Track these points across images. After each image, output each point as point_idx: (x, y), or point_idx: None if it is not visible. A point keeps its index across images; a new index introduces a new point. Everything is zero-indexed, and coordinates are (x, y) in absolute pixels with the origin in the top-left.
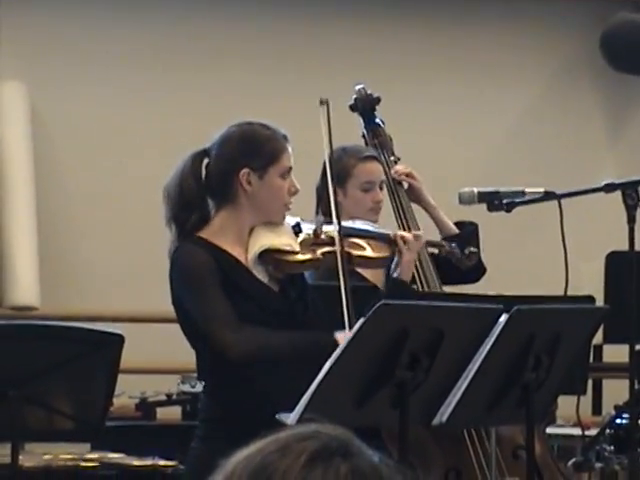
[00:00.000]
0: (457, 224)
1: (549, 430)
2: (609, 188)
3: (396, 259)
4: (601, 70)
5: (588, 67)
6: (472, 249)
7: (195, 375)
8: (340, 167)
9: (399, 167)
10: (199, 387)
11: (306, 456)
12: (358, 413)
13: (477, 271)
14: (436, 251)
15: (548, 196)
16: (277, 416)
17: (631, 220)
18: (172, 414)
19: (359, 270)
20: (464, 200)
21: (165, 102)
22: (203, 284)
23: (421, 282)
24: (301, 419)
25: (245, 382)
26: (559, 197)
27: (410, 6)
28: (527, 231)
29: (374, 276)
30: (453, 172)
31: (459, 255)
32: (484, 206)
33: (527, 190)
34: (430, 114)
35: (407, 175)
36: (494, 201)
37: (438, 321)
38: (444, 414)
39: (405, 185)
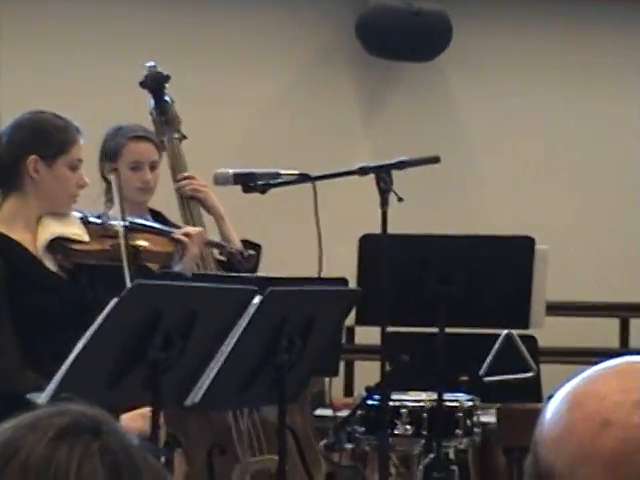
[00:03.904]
0: (242, 242)
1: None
2: (363, 171)
3: (179, 254)
4: (357, 55)
5: (345, 51)
6: (251, 252)
7: None
8: (112, 146)
9: (182, 182)
10: None
11: (54, 431)
12: (110, 394)
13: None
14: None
15: (303, 178)
16: (27, 395)
17: (384, 203)
18: None
19: (149, 265)
20: (219, 181)
21: None
22: None
23: None
24: (53, 399)
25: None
26: (313, 179)
27: None
28: (282, 213)
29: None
30: (210, 153)
31: (239, 257)
32: (239, 187)
33: (282, 172)
34: (189, 94)
35: (189, 188)
36: (249, 182)
37: (191, 302)
38: (196, 395)
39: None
